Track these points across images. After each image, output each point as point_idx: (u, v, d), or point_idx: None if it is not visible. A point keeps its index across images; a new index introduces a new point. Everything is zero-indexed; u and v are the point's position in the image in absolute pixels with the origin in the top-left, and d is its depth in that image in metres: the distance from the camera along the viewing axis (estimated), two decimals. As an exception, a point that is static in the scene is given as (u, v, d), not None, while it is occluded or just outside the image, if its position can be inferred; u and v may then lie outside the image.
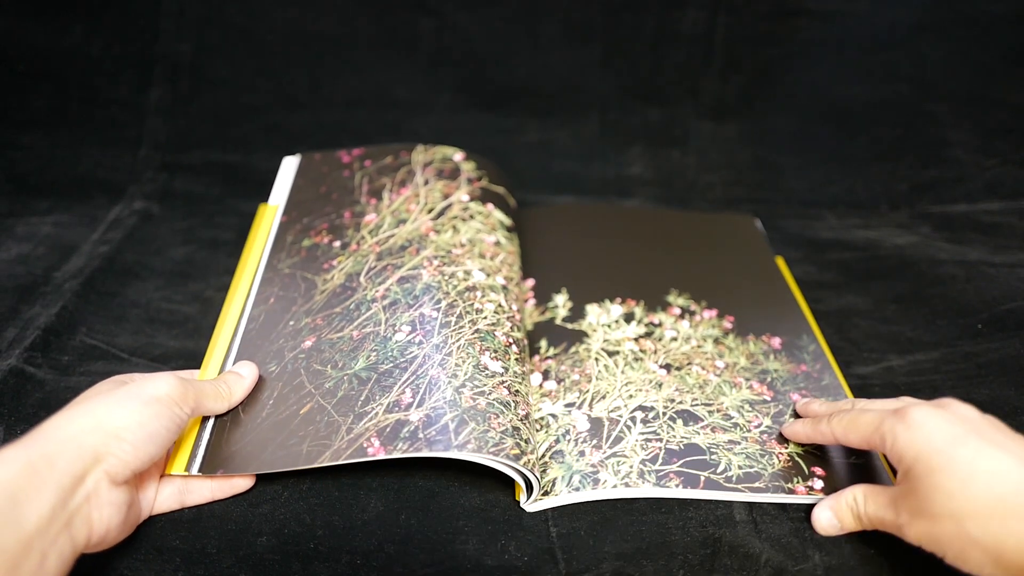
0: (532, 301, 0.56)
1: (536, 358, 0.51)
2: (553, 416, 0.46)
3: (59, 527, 0.31)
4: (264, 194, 0.60)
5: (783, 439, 0.45)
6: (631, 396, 0.48)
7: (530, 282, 0.58)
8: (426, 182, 0.59)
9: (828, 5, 0.77)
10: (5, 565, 0.28)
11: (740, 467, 0.43)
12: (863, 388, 0.51)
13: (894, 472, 0.40)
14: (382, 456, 0.39)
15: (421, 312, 0.47)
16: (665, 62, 0.79)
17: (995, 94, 0.78)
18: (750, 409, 0.48)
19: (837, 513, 0.40)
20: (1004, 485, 0.32)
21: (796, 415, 0.47)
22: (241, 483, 0.41)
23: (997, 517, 0.31)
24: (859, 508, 0.39)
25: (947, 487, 0.33)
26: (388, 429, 0.40)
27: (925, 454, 0.34)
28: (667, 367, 0.50)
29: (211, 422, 0.42)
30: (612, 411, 0.47)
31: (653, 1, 0.77)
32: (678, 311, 0.56)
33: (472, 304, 0.48)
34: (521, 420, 0.42)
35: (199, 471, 0.40)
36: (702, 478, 0.43)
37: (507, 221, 0.58)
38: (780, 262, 0.64)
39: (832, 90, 0.79)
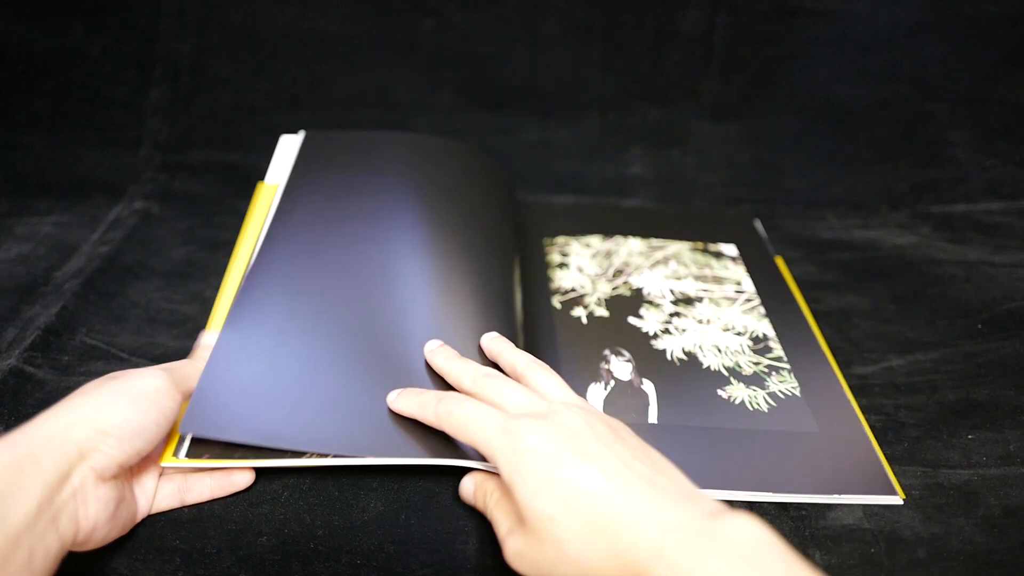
0: None
1: None
2: None
3: (45, 523, 0.31)
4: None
5: None
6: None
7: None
8: None
9: (828, 5, 0.77)
10: None
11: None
12: (863, 388, 0.51)
13: None
14: (381, 461, 0.39)
15: None
16: (665, 62, 0.79)
17: (995, 94, 0.78)
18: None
19: (477, 491, 0.38)
20: (595, 504, 0.31)
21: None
22: (241, 481, 0.41)
23: (591, 537, 0.30)
24: (488, 502, 0.37)
25: (550, 512, 0.31)
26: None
27: (526, 487, 0.32)
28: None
29: None
30: None
31: (653, 1, 0.77)
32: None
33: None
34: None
35: (187, 455, 0.39)
36: None
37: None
38: (780, 262, 0.64)
39: (832, 90, 0.79)
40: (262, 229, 0.51)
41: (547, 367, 0.41)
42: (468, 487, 0.40)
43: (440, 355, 0.43)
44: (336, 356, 0.43)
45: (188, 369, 0.40)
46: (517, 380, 0.40)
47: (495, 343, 0.45)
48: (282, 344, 0.43)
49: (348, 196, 0.54)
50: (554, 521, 0.31)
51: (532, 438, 0.33)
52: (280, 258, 0.48)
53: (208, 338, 0.44)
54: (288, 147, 0.60)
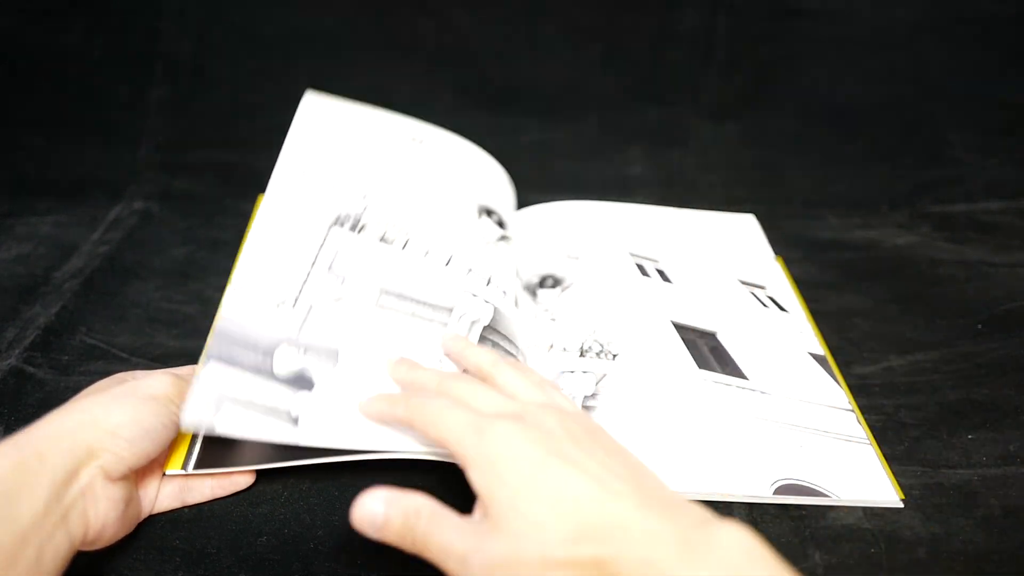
0: None
1: None
2: None
3: (54, 522, 0.31)
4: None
5: None
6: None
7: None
8: None
9: (828, 5, 0.77)
10: (1, 560, 0.29)
11: None
12: (863, 388, 0.51)
13: None
14: (387, 456, 0.39)
15: None
16: (665, 62, 0.79)
17: (995, 94, 0.78)
18: None
19: (389, 511, 0.32)
20: (583, 510, 0.29)
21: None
22: (242, 481, 0.41)
23: (575, 543, 0.28)
24: (420, 524, 0.32)
25: (534, 517, 0.29)
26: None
27: (504, 490, 0.30)
28: None
29: None
30: None
31: (653, 1, 0.77)
32: None
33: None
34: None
35: (196, 467, 0.39)
36: None
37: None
38: (780, 262, 0.64)
39: (832, 90, 0.79)
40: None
41: (516, 363, 0.39)
42: (374, 508, 0.33)
43: (401, 369, 0.40)
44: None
45: None
46: (483, 380, 0.38)
47: (456, 343, 0.42)
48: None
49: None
50: (539, 527, 0.29)
51: (508, 439, 0.31)
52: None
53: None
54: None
